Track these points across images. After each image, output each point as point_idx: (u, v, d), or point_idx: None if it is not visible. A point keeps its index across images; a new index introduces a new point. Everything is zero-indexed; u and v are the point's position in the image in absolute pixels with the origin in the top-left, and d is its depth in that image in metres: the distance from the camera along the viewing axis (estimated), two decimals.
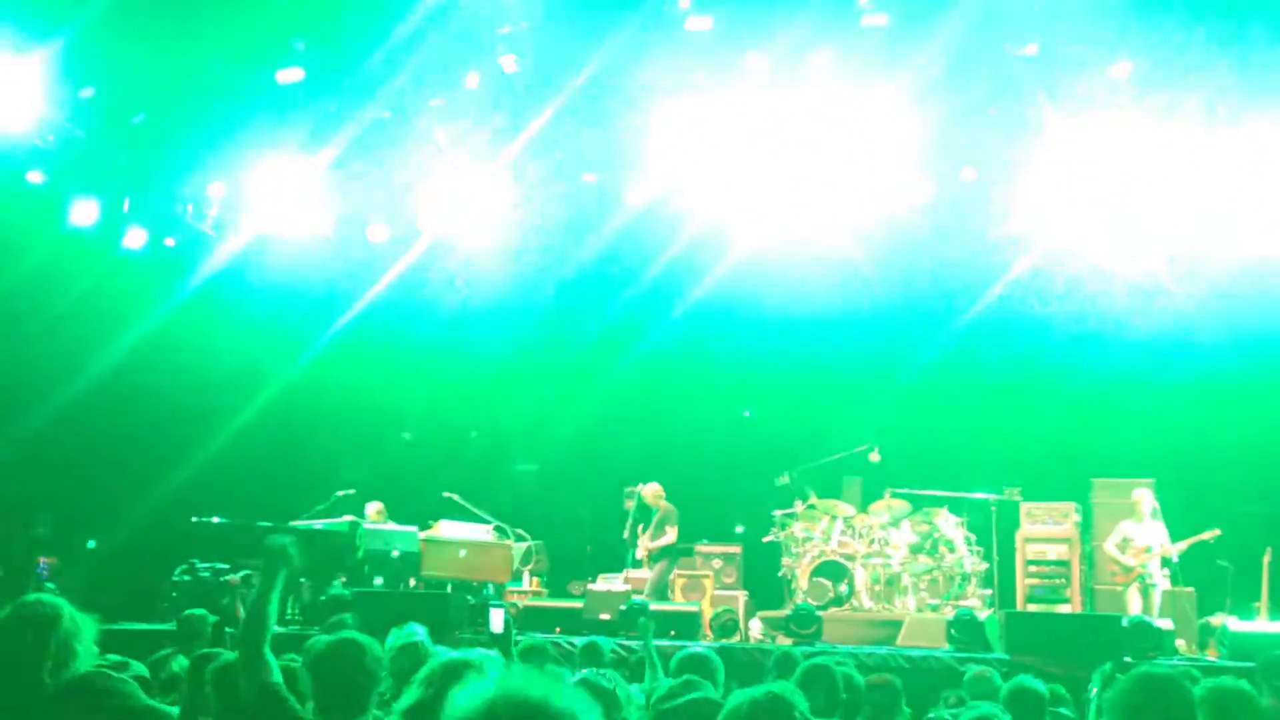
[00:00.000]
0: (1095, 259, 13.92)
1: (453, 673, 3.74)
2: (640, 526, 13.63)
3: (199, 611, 8.17)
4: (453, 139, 14.05)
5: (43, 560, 12.94)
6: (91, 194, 13.66)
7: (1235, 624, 11.45)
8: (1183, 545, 12.48)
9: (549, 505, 14.75)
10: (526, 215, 14.50)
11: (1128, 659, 7.68)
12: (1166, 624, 11.26)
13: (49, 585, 11.07)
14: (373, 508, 13.35)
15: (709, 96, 13.50)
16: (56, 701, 3.67)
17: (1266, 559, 12.27)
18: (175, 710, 4.40)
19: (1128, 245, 13.80)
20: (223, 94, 12.79)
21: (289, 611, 12.22)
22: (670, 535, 13.36)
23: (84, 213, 13.60)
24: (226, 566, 11.07)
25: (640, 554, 13.52)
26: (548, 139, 13.84)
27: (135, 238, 14.31)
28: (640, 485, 13.76)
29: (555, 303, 15.33)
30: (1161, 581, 12.49)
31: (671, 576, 13.55)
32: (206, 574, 10.80)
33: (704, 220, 14.29)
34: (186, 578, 10.78)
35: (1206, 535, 12.46)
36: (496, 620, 10.20)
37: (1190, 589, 12.71)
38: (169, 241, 14.60)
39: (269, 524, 12.55)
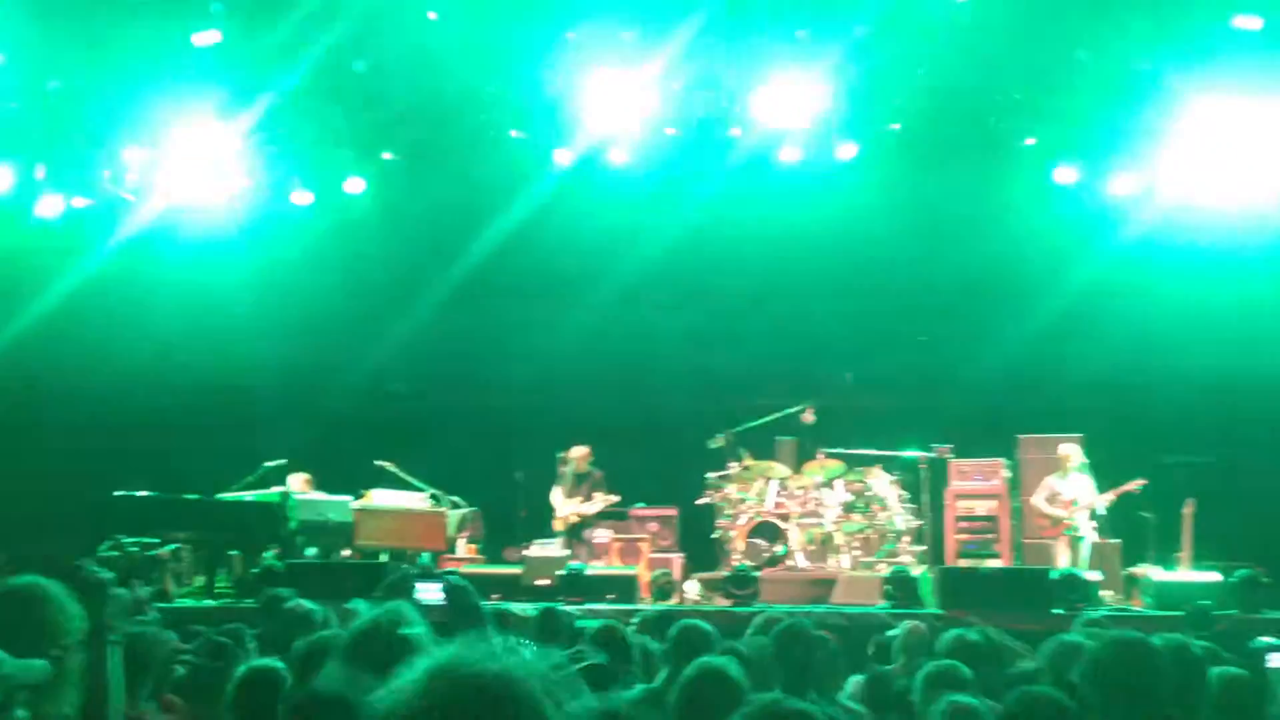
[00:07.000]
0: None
1: None
2: (562, 491, 13.61)
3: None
4: None
5: None
6: (5, 160, 13.20)
7: (1158, 574, 11.76)
8: (1109, 497, 12.71)
9: (483, 470, 14.58)
10: None
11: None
12: (1095, 576, 11.51)
13: None
14: (297, 479, 13.08)
15: None
16: None
17: (1188, 510, 12.53)
18: None
19: None
20: (138, 57, 12.40)
21: (219, 584, 12.02)
22: (599, 500, 13.37)
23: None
24: (156, 541, 10.84)
25: (569, 520, 13.45)
26: None
27: (50, 205, 13.83)
28: (571, 449, 13.71)
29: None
30: (1090, 534, 12.72)
31: (609, 540, 13.53)
32: (135, 549, 10.56)
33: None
34: (114, 553, 10.52)
35: (1131, 486, 12.68)
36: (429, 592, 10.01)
37: (1117, 541, 12.97)
38: (78, 202, 14.12)
39: (195, 496, 12.32)
